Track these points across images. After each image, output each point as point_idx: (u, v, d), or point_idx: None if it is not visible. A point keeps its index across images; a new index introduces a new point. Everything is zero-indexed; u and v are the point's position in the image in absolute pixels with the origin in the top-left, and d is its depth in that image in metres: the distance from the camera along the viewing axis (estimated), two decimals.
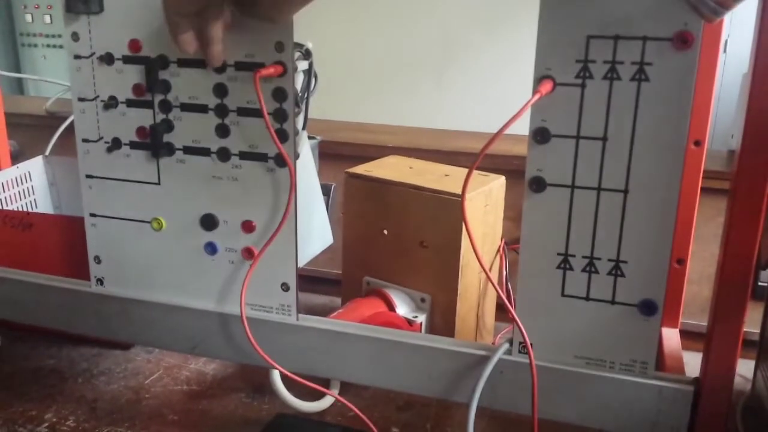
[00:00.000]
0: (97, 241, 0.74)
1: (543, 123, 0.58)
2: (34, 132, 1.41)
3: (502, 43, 2.32)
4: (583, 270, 0.59)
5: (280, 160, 0.66)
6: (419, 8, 2.42)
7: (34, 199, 1.20)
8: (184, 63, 0.66)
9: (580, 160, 0.57)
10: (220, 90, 0.66)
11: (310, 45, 0.70)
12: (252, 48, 0.64)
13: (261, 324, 0.69)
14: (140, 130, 0.69)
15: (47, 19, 2.98)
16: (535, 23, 0.56)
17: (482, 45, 2.37)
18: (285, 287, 0.68)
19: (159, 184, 0.70)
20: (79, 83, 0.70)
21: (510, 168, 1.03)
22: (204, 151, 0.68)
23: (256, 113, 0.65)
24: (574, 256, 0.59)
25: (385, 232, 0.91)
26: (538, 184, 0.59)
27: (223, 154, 0.68)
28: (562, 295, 0.60)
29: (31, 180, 1.20)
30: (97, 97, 0.70)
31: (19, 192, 1.17)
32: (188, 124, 0.68)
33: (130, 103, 0.69)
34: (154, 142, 0.69)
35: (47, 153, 1.25)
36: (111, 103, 0.69)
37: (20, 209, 1.17)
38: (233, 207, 0.69)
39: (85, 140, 0.72)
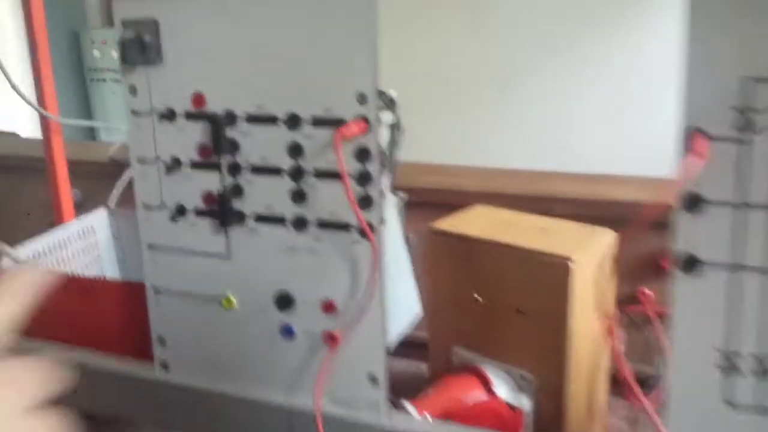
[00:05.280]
0: (161, 320, 0.66)
1: (694, 187, 0.46)
2: (97, 180, 1.36)
3: (590, 69, 1.95)
4: (754, 372, 0.47)
5: (365, 232, 0.56)
6: (498, 29, 2.12)
7: (98, 255, 1.14)
8: (254, 119, 0.58)
9: (746, 233, 0.46)
10: (295, 150, 0.57)
11: (394, 93, 0.60)
12: (329, 100, 0.55)
13: (343, 425, 0.59)
14: (207, 196, 0.61)
15: (115, 54, 3.02)
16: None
17: (569, 71, 2.00)
18: (372, 379, 0.58)
19: (228, 256, 0.62)
20: (139, 142, 0.63)
21: (612, 216, 0.91)
22: (278, 220, 0.59)
23: (338, 176, 0.56)
24: (739, 353, 0.47)
25: (477, 296, 0.81)
26: (691, 264, 0.47)
27: (300, 223, 0.58)
28: (726, 403, 0.48)
29: (95, 234, 1.14)
30: (159, 158, 0.62)
31: (83, 247, 1.11)
32: (260, 189, 0.59)
33: (194, 165, 0.61)
34: (222, 210, 0.60)
35: (111, 204, 1.20)
36: (174, 165, 0.61)
37: (85, 266, 1.11)
38: (312, 284, 0.59)
39: (146, 206, 0.64)
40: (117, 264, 1.18)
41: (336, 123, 0.55)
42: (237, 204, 0.60)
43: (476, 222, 0.84)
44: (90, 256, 1.13)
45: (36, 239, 1.03)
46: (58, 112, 1.18)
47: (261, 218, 0.60)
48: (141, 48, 0.59)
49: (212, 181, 0.61)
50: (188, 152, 0.61)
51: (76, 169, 1.35)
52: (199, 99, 0.59)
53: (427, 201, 1.05)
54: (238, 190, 0.60)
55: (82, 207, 1.41)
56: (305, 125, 0.56)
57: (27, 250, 1.02)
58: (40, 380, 0.34)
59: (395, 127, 0.59)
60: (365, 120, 0.54)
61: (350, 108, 0.54)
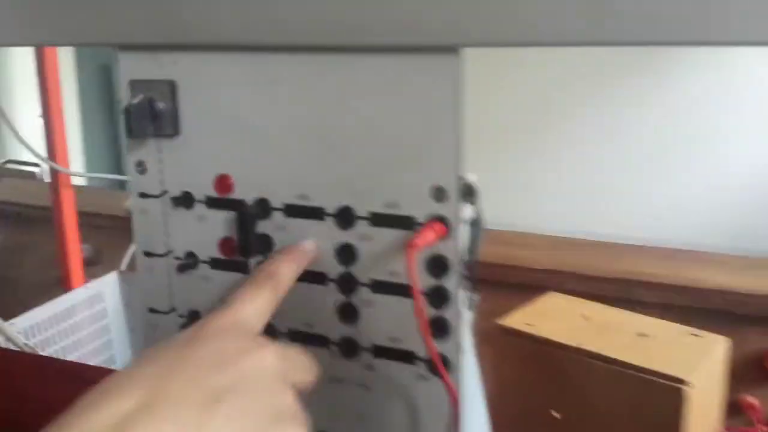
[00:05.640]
0: None
1: None
2: (112, 234, 1.24)
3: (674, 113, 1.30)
4: None
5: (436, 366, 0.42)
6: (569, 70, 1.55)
7: (107, 324, 1.01)
8: (293, 212, 0.44)
9: None
10: (347, 254, 0.43)
11: (473, 177, 0.46)
12: (395, 193, 0.41)
13: None
14: None
15: None
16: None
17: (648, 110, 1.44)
18: None
19: None
20: (146, 232, 0.49)
21: (711, 307, 0.76)
22: (320, 341, 0.45)
23: (402, 291, 0.42)
24: None
25: (555, 414, 0.66)
26: None
27: (349, 348, 0.45)
28: None
29: (103, 301, 1.01)
30: (170, 252, 0.49)
31: (90, 316, 0.99)
32: (298, 301, 0.45)
33: (215, 264, 0.48)
34: None
35: (123, 266, 1.07)
36: (189, 263, 0.48)
37: (90, 336, 0.98)
38: (362, 428, 0.45)
39: (153, 311, 0.51)
40: (127, 334, 1.05)
41: (403, 223, 0.41)
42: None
43: (554, 318, 0.70)
44: (97, 325, 1.00)
45: (37, 310, 0.91)
46: (69, 162, 1.07)
47: (298, 336, 0.46)
48: (153, 116, 0.46)
49: (237, 286, 0.47)
50: (207, 248, 0.47)
51: (90, 221, 1.23)
52: (224, 182, 0.46)
53: (485, 278, 0.90)
54: None
55: (93, 263, 1.30)
56: (361, 223, 0.43)
57: (27, 320, 0.89)
58: (304, 365, 0.39)
59: (475, 224, 0.45)
60: (443, 222, 0.40)
61: (423, 205, 0.40)
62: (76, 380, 0.73)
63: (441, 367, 0.40)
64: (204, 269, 0.48)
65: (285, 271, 0.42)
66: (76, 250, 1.08)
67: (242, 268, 0.47)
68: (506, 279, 0.90)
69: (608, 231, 1.04)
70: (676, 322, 0.72)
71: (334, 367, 0.45)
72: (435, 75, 0.39)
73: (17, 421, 0.78)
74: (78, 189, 1.27)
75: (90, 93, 1.85)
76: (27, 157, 1.14)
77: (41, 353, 0.86)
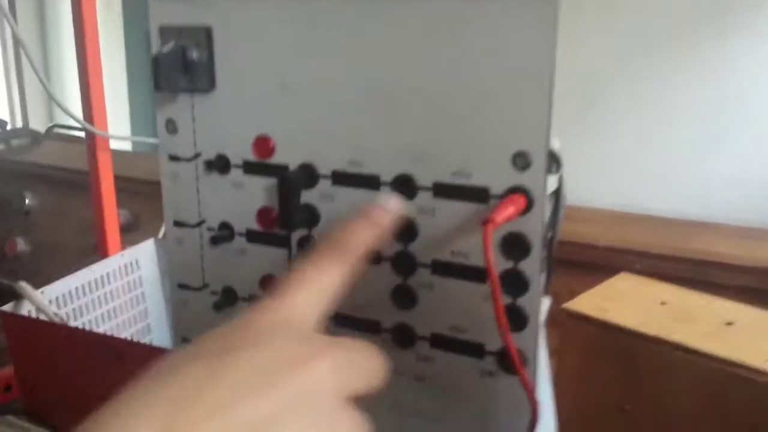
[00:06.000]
0: None
1: None
2: (150, 199, 1.20)
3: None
4: None
5: (509, 362, 0.36)
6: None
7: (142, 293, 0.97)
8: (344, 180, 0.38)
9: None
10: (405, 229, 0.37)
11: (556, 143, 0.39)
12: (467, 159, 0.35)
13: None
14: (267, 282, 0.42)
15: None
16: None
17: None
18: None
19: None
20: (176, 200, 0.44)
21: None
22: (371, 326, 0.40)
23: (468, 275, 0.36)
24: None
25: (627, 407, 0.59)
26: None
27: (404, 336, 0.39)
28: None
29: (139, 269, 0.97)
30: (203, 222, 0.43)
31: (124, 284, 0.95)
32: None
33: (252, 237, 0.42)
34: None
35: (161, 234, 1.03)
36: (223, 235, 0.43)
37: (125, 305, 0.95)
38: (417, 424, 0.39)
39: (183, 286, 0.45)
40: (164, 303, 1.01)
41: (474, 195, 0.35)
42: None
43: (627, 302, 0.63)
44: (132, 294, 0.96)
45: (69, 277, 0.87)
46: (108, 125, 1.03)
47: (345, 321, 0.40)
48: (185, 67, 0.40)
49: (277, 263, 0.41)
50: (244, 218, 0.42)
51: (129, 186, 1.20)
52: (264, 145, 0.40)
53: None
54: None
55: (131, 230, 1.27)
56: (423, 195, 0.36)
57: (60, 287, 0.86)
58: (368, 369, 0.30)
59: (557, 197, 0.38)
60: (525, 194, 0.33)
61: (501, 174, 0.34)
62: (108, 353, 0.69)
63: (520, 365, 0.34)
64: (240, 242, 0.42)
65: (361, 240, 0.32)
66: (112, 215, 1.04)
67: (283, 243, 0.41)
68: (564, 257, 0.83)
69: (671, 208, 0.96)
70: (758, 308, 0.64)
71: (387, 357, 0.39)
72: (529, 17, 0.32)
73: (46, 394, 0.75)
74: (121, 154, 1.24)
75: (137, 58, 1.82)
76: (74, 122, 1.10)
77: (73, 323, 0.82)
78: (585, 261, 0.76)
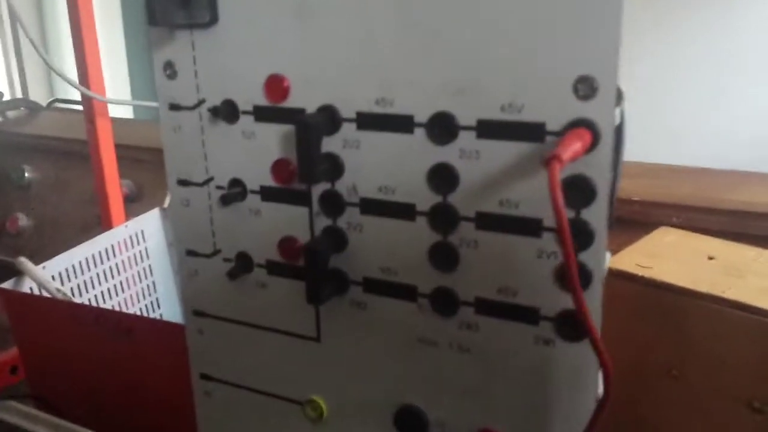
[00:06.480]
0: (211, 423, 0.43)
1: None
2: (153, 168, 1.15)
3: None
4: None
5: (570, 328, 0.31)
6: None
7: (149, 266, 0.93)
8: (371, 122, 0.33)
9: None
10: (443, 178, 0.32)
11: None
12: (520, 90, 0.29)
13: None
14: (287, 245, 0.37)
15: None
16: None
17: None
18: None
19: (318, 340, 0.38)
20: (179, 155, 0.39)
21: None
22: (405, 291, 0.35)
23: (521, 227, 0.31)
24: None
25: (675, 373, 0.55)
26: None
27: (445, 302, 0.34)
28: None
29: (144, 240, 0.93)
30: (210, 180, 0.38)
31: (130, 257, 0.90)
32: (376, 240, 0.34)
33: (267, 195, 0.37)
34: (312, 269, 0.36)
35: (166, 204, 0.98)
36: (233, 193, 0.38)
37: (132, 279, 0.90)
38: (459, 401, 0.35)
39: (191, 253, 0.40)
40: (172, 276, 0.97)
41: (527, 132, 0.29)
42: (336, 261, 0.35)
43: (672, 258, 0.58)
44: (139, 267, 0.92)
45: (72, 251, 0.83)
46: (105, 90, 0.97)
47: (375, 286, 0.35)
48: None
49: (296, 222, 0.36)
50: (257, 173, 0.37)
51: (131, 154, 1.15)
52: (277, 86, 0.35)
53: None
54: (338, 240, 0.35)
55: (135, 202, 1.22)
56: (464, 135, 0.31)
57: (62, 262, 0.81)
58: None
59: (618, 134, 0.33)
60: (590, 129, 0.28)
61: (559, 105, 0.29)
62: (116, 330, 0.65)
63: (594, 330, 0.29)
64: (253, 201, 0.37)
65: None
66: (114, 184, 1.00)
67: (302, 199, 0.36)
68: None
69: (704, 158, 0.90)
70: None
71: (425, 326, 0.35)
72: None
73: (51, 374, 0.71)
74: (121, 122, 1.18)
75: (135, 20, 1.75)
76: (75, 96, 1.04)
77: (78, 299, 0.78)
78: (618, 217, 0.71)
